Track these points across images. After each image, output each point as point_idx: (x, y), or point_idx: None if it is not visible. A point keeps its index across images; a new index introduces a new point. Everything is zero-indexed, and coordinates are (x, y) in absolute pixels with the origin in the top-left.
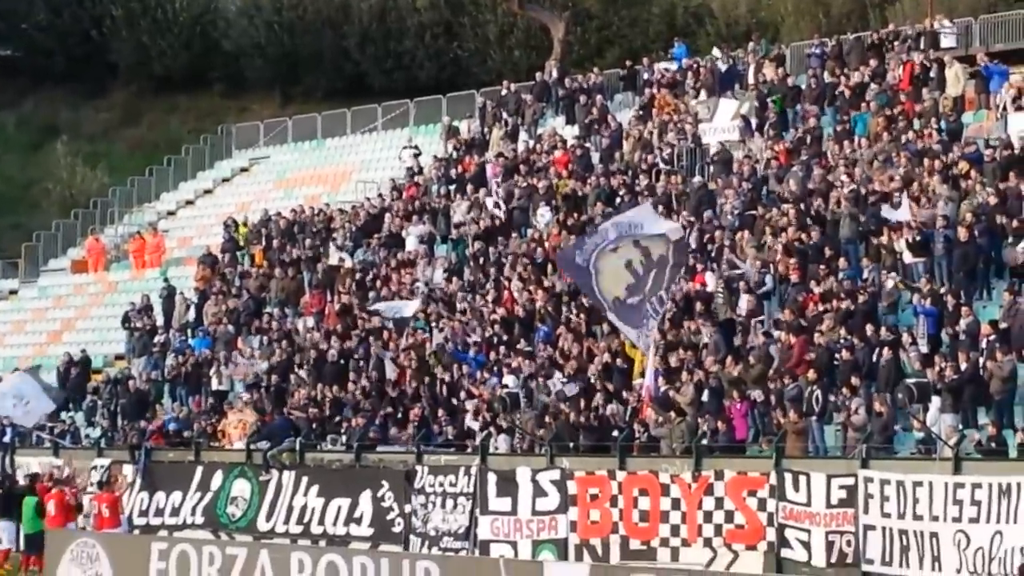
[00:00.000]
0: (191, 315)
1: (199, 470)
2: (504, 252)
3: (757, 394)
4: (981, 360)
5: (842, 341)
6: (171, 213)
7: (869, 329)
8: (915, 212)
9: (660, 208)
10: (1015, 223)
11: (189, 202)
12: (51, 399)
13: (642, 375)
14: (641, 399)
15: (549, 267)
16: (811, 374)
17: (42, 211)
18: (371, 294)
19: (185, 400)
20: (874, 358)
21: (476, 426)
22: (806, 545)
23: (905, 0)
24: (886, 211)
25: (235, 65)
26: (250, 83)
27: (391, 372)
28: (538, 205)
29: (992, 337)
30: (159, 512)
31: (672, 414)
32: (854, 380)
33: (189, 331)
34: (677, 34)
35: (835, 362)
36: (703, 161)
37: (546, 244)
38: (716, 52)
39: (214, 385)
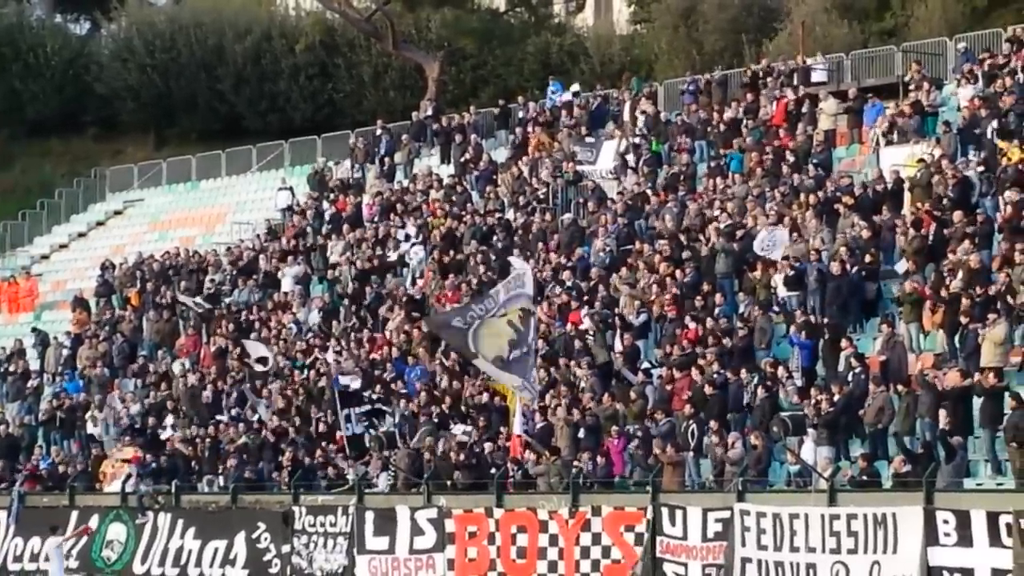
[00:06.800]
0: (65, 359)
1: (74, 514)
2: (380, 291)
3: (634, 430)
4: (855, 392)
5: (716, 376)
6: (44, 257)
7: (745, 363)
8: (788, 246)
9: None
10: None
11: (63, 246)
12: None
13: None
14: (511, 440)
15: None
16: (687, 409)
17: None
18: (251, 335)
19: (60, 444)
20: (749, 392)
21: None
22: None
23: (780, 36)
24: (757, 245)
25: (109, 108)
26: (124, 126)
27: (266, 414)
28: (412, 244)
29: (859, 370)
30: (34, 558)
31: (548, 452)
32: (729, 414)
33: (64, 375)
34: (552, 72)
35: (711, 396)
36: (578, 198)
37: (418, 283)
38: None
39: (89, 429)
